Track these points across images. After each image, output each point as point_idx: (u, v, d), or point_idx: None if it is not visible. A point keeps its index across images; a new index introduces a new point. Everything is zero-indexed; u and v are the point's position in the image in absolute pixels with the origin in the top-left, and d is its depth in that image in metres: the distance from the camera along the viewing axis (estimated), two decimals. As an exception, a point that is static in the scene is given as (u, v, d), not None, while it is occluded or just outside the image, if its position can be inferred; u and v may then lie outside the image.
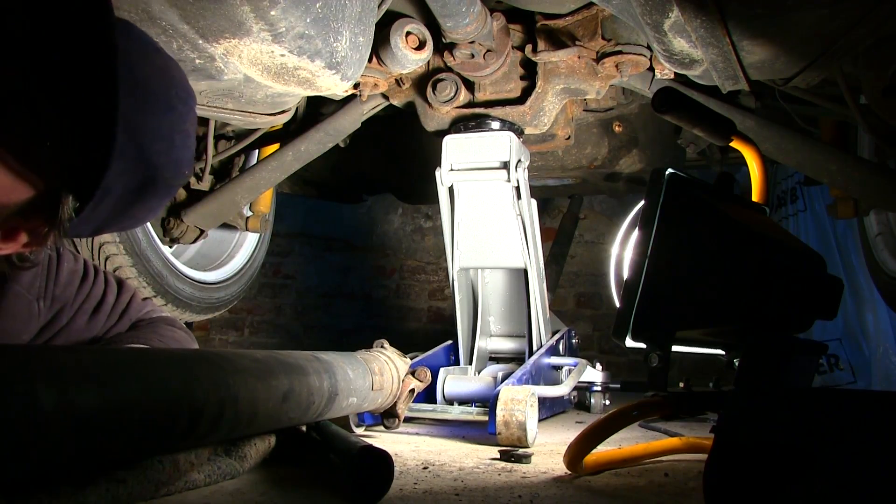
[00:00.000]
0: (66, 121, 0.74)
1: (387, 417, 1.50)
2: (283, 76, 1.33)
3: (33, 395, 0.60)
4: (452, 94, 1.86)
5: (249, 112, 1.61)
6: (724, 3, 1.17)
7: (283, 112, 1.71)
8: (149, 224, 1.97)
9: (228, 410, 0.87)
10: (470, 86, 1.90)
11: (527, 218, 1.92)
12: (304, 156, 2.06)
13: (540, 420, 1.62)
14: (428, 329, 3.98)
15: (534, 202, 1.94)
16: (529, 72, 1.86)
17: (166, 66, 0.84)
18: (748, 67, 1.38)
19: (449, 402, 1.81)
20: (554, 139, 2.10)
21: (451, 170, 1.91)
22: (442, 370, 1.84)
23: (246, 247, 2.60)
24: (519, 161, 1.86)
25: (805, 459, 0.72)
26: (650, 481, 1.13)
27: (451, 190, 1.96)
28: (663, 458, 1.31)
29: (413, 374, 1.51)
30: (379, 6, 1.43)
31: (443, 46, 1.75)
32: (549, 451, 1.43)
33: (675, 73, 1.58)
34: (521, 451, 1.33)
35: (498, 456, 1.32)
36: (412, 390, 1.50)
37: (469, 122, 1.91)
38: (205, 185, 2.12)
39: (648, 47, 1.67)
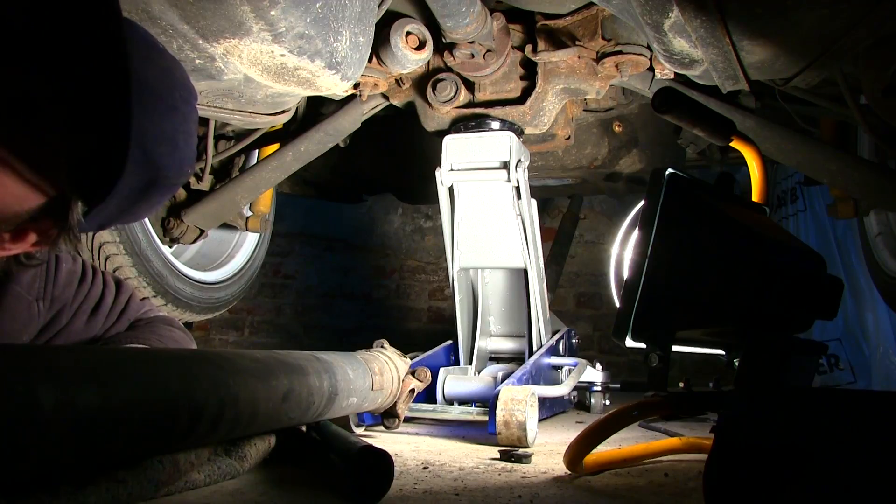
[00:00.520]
0: (79, 130, 0.75)
1: (387, 417, 1.50)
2: (283, 76, 1.33)
3: (33, 395, 0.60)
4: (452, 94, 1.86)
5: (249, 112, 1.61)
6: (724, 3, 1.17)
7: (283, 112, 1.71)
8: (149, 224, 1.97)
9: (228, 410, 0.87)
10: (470, 86, 1.90)
11: (527, 218, 1.92)
12: (304, 156, 2.05)
13: (540, 420, 1.62)
14: (428, 329, 3.98)
15: (534, 202, 1.94)
16: (529, 72, 1.86)
17: (170, 67, 0.84)
18: (748, 67, 1.38)
19: (449, 402, 1.81)
20: (554, 139, 2.10)
21: (451, 170, 1.91)
22: (442, 370, 1.84)
23: (246, 247, 2.60)
24: (519, 161, 1.86)
25: (805, 459, 0.72)
26: (650, 481, 1.13)
27: (451, 190, 1.96)
28: (663, 458, 1.31)
29: (413, 374, 1.51)
30: (379, 6, 1.43)
31: (443, 46, 1.75)
32: (549, 451, 1.43)
33: (675, 73, 1.58)
34: (521, 451, 1.33)
35: (498, 456, 1.32)
36: (412, 390, 1.50)
37: (469, 122, 1.91)
38: (205, 185, 2.12)
39: (648, 47, 1.67)
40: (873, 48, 1.27)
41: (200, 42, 1.20)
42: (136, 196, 0.81)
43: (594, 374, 2.14)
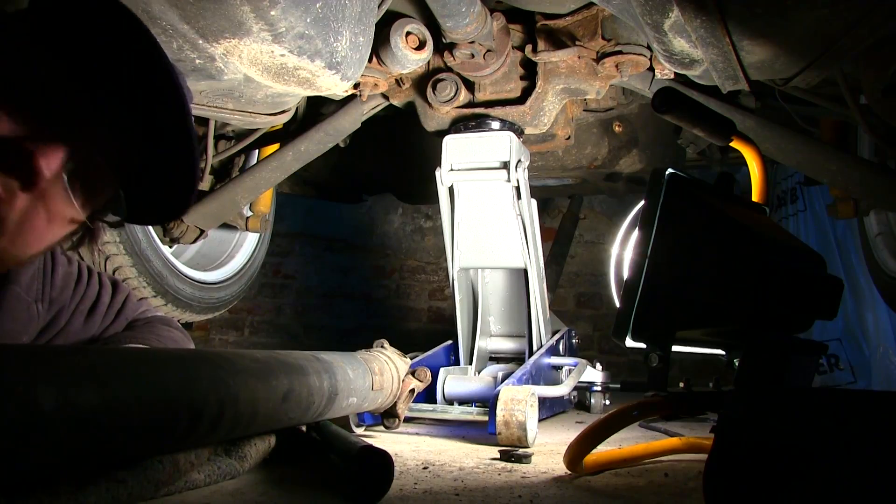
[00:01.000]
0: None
1: (387, 417, 1.50)
2: (283, 76, 1.33)
3: (33, 395, 0.60)
4: (452, 94, 1.86)
5: (249, 112, 1.61)
6: (724, 3, 1.17)
7: (283, 112, 1.71)
8: (149, 224, 1.97)
9: (228, 410, 0.87)
10: (470, 86, 1.90)
11: (527, 218, 1.92)
12: (304, 156, 2.05)
13: (540, 420, 1.62)
14: (428, 329, 3.98)
15: (534, 202, 1.94)
16: (529, 72, 1.86)
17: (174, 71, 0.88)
18: (748, 67, 1.38)
19: (449, 402, 1.81)
20: (554, 139, 2.10)
21: (451, 170, 1.91)
22: (442, 370, 1.84)
23: (246, 247, 2.60)
24: (519, 161, 1.86)
25: (805, 459, 0.72)
26: (650, 481, 1.13)
27: (451, 190, 1.96)
28: (663, 458, 1.31)
29: (413, 374, 1.51)
30: (379, 6, 1.43)
31: (443, 46, 1.75)
32: (549, 451, 1.43)
33: (675, 73, 1.58)
34: (521, 451, 1.33)
35: (498, 456, 1.32)
36: (412, 390, 1.50)
37: (469, 122, 1.90)
38: (205, 185, 2.12)
39: (648, 47, 1.67)
40: (873, 48, 1.27)
41: (200, 42, 1.20)
42: None
43: (594, 374, 2.14)
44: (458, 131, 1.92)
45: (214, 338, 4.15)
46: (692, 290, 1.00)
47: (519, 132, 1.89)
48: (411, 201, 3.59)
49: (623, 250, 2.66)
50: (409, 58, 1.62)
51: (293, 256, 4.23)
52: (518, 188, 1.89)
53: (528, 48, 1.79)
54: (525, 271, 1.97)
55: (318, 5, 1.18)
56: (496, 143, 1.86)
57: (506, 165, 1.86)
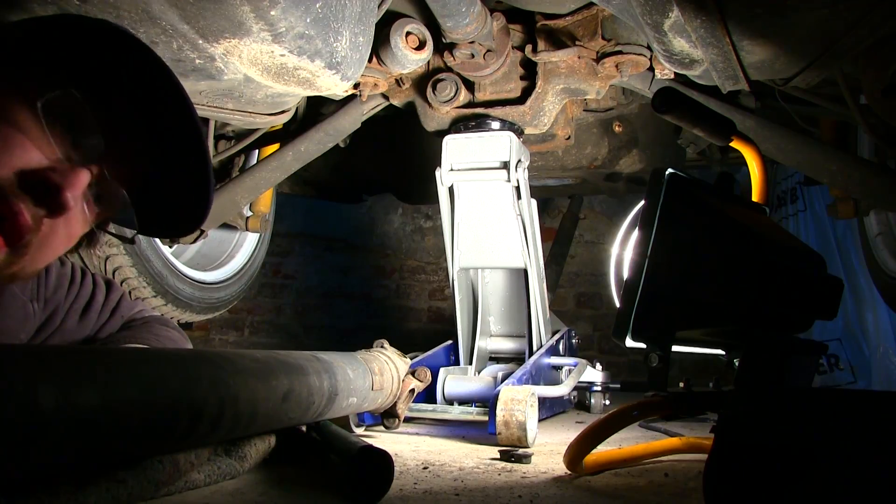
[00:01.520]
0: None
1: (387, 417, 1.50)
2: (283, 76, 1.33)
3: (33, 395, 0.60)
4: (452, 94, 1.86)
5: (249, 112, 1.61)
6: (724, 3, 1.17)
7: (283, 112, 1.71)
8: (149, 224, 1.97)
9: (228, 410, 0.87)
10: (470, 86, 1.90)
11: (527, 218, 1.92)
12: (304, 156, 2.05)
13: (540, 420, 1.62)
14: (428, 329, 3.98)
15: (534, 202, 1.94)
16: (529, 72, 1.86)
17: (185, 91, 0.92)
18: (748, 67, 1.38)
19: (449, 402, 1.81)
20: (554, 139, 2.10)
21: (451, 170, 1.91)
22: (442, 370, 1.84)
23: (246, 247, 2.60)
24: (519, 161, 1.86)
25: (805, 459, 0.72)
26: (650, 481, 1.13)
27: (451, 190, 1.96)
28: (663, 458, 1.31)
29: (413, 374, 1.51)
30: (379, 6, 1.43)
31: (443, 46, 1.75)
32: (549, 451, 1.43)
33: (675, 73, 1.58)
34: (521, 451, 1.33)
35: (498, 456, 1.32)
36: (412, 390, 1.50)
37: (469, 122, 1.90)
38: (205, 185, 2.12)
39: (648, 47, 1.67)
40: (873, 48, 1.27)
41: (200, 42, 1.20)
42: None
43: (594, 374, 2.14)
44: (458, 131, 1.92)
45: (214, 338, 4.15)
46: (692, 290, 1.00)
47: (519, 132, 1.89)
48: (411, 201, 3.59)
49: (623, 250, 2.66)
50: (409, 58, 1.62)
51: (293, 256, 4.23)
52: (518, 188, 1.89)
53: (528, 48, 1.79)
54: (525, 271, 1.97)
55: (318, 5, 1.18)
56: (496, 143, 1.86)
57: (506, 165, 1.86)
